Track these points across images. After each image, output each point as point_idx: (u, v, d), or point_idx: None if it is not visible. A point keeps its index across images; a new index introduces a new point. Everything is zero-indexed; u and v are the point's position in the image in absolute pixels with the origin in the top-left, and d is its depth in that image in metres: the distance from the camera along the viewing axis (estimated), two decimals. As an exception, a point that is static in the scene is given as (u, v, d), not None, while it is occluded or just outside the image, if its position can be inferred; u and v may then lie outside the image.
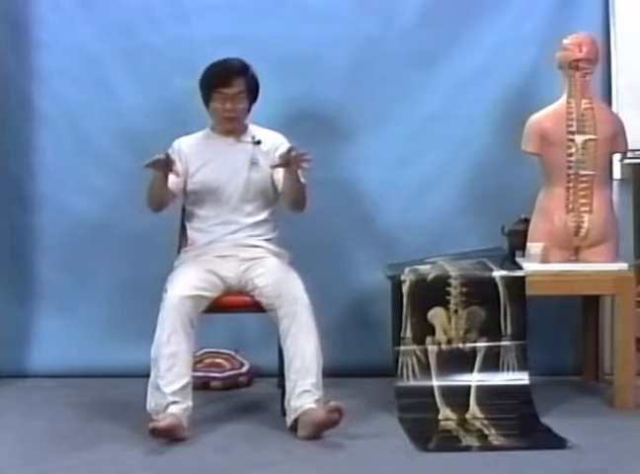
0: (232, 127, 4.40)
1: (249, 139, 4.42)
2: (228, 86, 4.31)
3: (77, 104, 4.95)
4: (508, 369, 4.31)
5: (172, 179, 4.27)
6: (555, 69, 4.51)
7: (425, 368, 4.31)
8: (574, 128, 4.44)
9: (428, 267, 4.49)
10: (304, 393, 3.99)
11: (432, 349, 4.33)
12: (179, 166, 4.29)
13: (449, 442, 3.96)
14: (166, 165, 4.17)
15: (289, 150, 4.17)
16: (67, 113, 4.95)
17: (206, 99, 4.38)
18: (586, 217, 4.45)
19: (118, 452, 3.85)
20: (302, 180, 4.26)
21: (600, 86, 4.79)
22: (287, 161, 4.17)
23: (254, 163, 4.38)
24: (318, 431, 3.94)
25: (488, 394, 4.26)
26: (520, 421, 4.16)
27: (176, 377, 3.99)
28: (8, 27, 4.94)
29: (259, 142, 4.41)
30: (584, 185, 4.45)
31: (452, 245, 4.80)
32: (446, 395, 4.26)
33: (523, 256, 4.55)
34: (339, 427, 3.94)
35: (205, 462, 3.76)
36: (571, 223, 4.46)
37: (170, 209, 4.41)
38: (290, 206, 4.38)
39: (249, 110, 4.42)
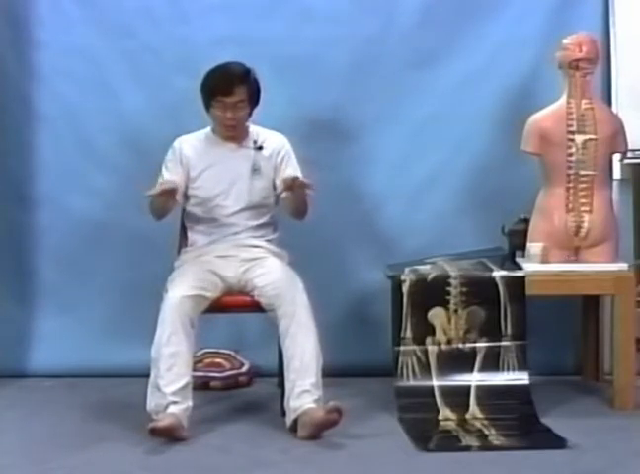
0: (233, 134, 4.40)
1: (251, 145, 4.42)
2: (229, 95, 4.28)
3: (77, 104, 4.95)
4: (508, 369, 4.31)
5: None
6: (555, 69, 4.51)
7: (425, 368, 4.31)
8: (574, 128, 4.44)
9: (428, 267, 4.49)
10: (304, 393, 3.99)
11: (432, 349, 4.33)
12: (180, 174, 4.31)
13: (449, 442, 3.96)
14: (170, 193, 4.20)
15: (294, 179, 4.18)
16: (67, 113, 4.95)
17: (207, 105, 4.36)
18: (586, 217, 4.45)
19: (118, 452, 3.85)
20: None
21: (600, 86, 4.79)
22: (291, 187, 4.18)
23: (256, 170, 4.38)
24: (318, 430, 3.94)
25: (488, 394, 4.26)
26: (519, 421, 4.15)
27: (176, 377, 3.99)
28: (8, 27, 4.94)
29: (260, 148, 4.41)
30: (584, 185, 4.45)
31: (452, 245, 4.80)
32: (446, 395, 4.26)
33: (523, 256, 4.55)
34: (338, 427, 3.94)
35: (205, 462, 3.77)
36: (571, 223, 4.46)
37: (170, 210, 4.42)
38: (291, 215, 4.40)
39: (250, 113, 4.41)
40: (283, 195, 4.32)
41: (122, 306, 4.91)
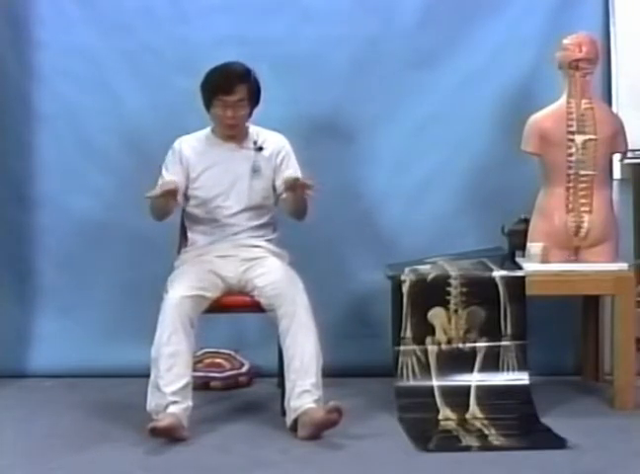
0: (233, 133, 4.40)
1: (251, 145, 4.41)
2: (230, 93, 4.28)
3: (77, 104, 4.95)
4: (508, 369, 4.31)
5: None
6: (555, 69, 4.51)
7: (425, 368, 4.31)
8: (574, 128, 4.44)
9: (428, 267, 4.49)
10: (304, 393, 3.99)
11: (432, 349, 4.33)
12: (180, 174, 4.30)
13: (449, 442, 3.96)
14: (170, 194, 4.19)
15: (295, 180, 4.18)
16: (67, 113, 4.95)
17: (207, 104, 4.36)
18: (586, 217, 4.45)
19: (118, 452, 3.85)
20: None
21: (600, 86, 4.79)
22: (293, 187, 4.18)
23: (256, 170, 4.38)
24: (318, 431, 3.94)
25: (488, 394, 4.26)
26: (519, 421, 4.15)
27: (176, 377, 3.99)
28: (8, 27, 4.94)
29: (261, 148, 4.41)
30: (584, 185, 4.45)
31: (452, 245, 4.80)
32: (446, 395, 4.25)
33: (523, 256, 4.55)
34: (339, 427, 3.94)
35: (205, 462, 3.77)
36: (571, 223, 4.46)
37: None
38: (291, 216, 4.40)
39: (251, 113, 4.41)
40: (284, 195, 4.32)
41: (122, 306, 4.91)
